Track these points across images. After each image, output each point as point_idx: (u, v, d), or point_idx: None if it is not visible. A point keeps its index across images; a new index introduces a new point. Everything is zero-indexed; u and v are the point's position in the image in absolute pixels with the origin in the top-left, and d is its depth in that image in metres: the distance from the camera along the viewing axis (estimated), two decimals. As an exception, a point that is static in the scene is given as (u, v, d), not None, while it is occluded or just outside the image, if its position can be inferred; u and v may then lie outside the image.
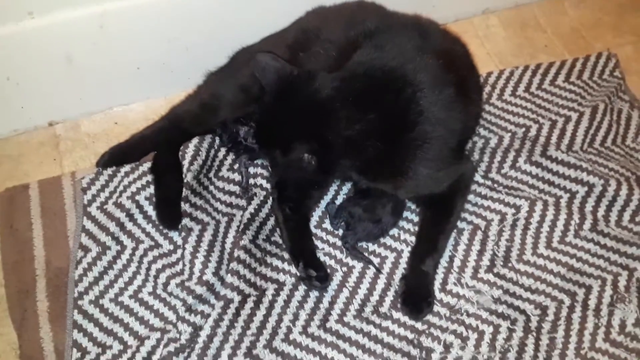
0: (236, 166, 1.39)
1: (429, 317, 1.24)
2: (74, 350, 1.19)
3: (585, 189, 1.39)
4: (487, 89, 1.58)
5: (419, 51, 1.18)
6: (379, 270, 1.29)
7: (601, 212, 1.37)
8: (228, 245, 1.31)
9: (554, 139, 1.48)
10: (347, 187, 1.40)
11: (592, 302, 1.26)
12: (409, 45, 1.19)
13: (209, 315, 1.21)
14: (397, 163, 1.18)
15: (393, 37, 1.21)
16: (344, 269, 1.30)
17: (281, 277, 1.28)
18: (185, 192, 1.33)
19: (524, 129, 1.50)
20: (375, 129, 1.11)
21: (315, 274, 1.24)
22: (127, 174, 1.38)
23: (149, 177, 1.37)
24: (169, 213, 1.33)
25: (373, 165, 1.18)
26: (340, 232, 1.34)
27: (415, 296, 1.24)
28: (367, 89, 1.12)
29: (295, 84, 1.13)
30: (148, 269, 1.28)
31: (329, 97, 1.10)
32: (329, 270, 1.29)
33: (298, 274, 1.26)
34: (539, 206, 1.37)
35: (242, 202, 1.37)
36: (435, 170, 1.20)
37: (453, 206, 1.29)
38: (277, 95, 1.13)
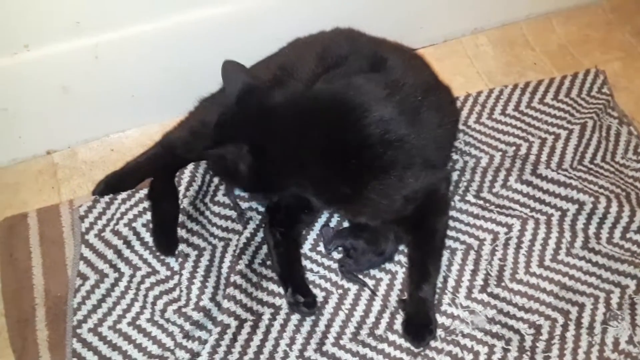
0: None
1: (425, 339, 1.25)
2: (74, 378, 1.20)
3: (576, 206, 1.41)
4: (477, 108, 1.60)
5: (367, 82, 1.23)
6: (374, 293, 1.31)
7: (592, 229, 1.39)
8: (224, 270, 1.33)
9: (544, 157, 1.50)
10: (340, 211, 1.42)
11: (585, 320, 1.27)
12: (358, 77, 1.25)
13: (206, 342, 1.22)
14: (347, 189, 1.19)
15: (344, 70, 1.28)
16: (340, 291, 1.31)
17: (277, 301, 1.29)
18: (181, 217, 1.34)
19: (514, 148, 1.52)
20: (317, 150, 1.16)
21: (302, 300, 1.25)
22: (124, 201, 1.39)
23: (146, 204, 1.38)
24: (166, 239, 1.35)
25: (325, 188, 1.20)
26: (334, 254, 1.35)
27: (416, 323, 1.25)
28: (311, 112, 1.19)
29: (253, 94, 1.21)
30: (145, 296, 1.30)
31: (275, 111, 1.18)
32: (324, 293, 1.30)
33: (286, 299, 1.28)
34: (530, 225, 1.38)
35: (238, 227, 1.38)
36: (389, 196, 1.20)
37: (433, 226, 1.29)
38: (237, 102, 1.21)
